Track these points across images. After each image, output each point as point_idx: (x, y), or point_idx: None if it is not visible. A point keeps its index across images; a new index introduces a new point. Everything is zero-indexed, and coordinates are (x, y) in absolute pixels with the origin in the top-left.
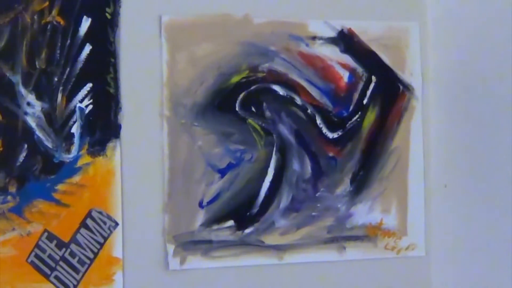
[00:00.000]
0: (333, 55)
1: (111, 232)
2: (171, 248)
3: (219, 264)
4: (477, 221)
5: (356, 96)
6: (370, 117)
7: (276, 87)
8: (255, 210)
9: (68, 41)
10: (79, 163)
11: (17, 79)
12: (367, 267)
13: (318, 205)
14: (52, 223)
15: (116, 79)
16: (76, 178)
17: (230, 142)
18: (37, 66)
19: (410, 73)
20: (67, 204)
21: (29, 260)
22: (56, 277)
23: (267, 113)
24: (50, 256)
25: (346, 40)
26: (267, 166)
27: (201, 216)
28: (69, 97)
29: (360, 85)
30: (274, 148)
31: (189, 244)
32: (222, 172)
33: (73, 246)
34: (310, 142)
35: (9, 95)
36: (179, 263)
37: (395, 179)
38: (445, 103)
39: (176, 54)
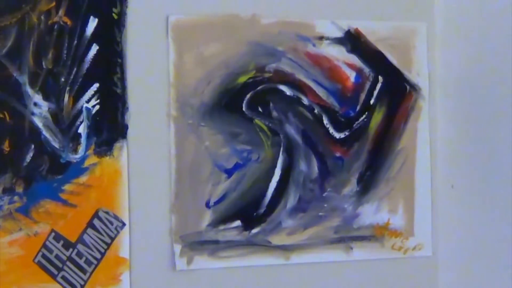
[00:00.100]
0: (340, 55)
1: (118, 232)
2: (178, 248)
3: (226, 264)
4: (484, 221)
5: (363, 96)
6: (377, 117)
7: (283, 87)
8: (262, 210)
9: (75, 41)
10: (86, 163)
11: (24, 79)
12: (374, 267)
13: (325, 205)
14: (59, 223)
15: (123, 79)
16: (83, 178)
17: (237, 142)
18: (44, 66)
19: (417, 73)
20: (74, 204)
21: (36, 260)
22: (63, 277)
23: (274, 113)
24: (57, 256)
25: (353, 40)
26: (274, 166)
27: (208, 216)
28: (76, 97)
29: (367, 85)
30: (281, 148)
31: (196, 244)
32: (229, 172)
33: (80, 246)
34: (317, 142)
35: (16, 95)
36: (186, 263)
37: (402, 179)
38: (452, 103)
39: (183, 54)
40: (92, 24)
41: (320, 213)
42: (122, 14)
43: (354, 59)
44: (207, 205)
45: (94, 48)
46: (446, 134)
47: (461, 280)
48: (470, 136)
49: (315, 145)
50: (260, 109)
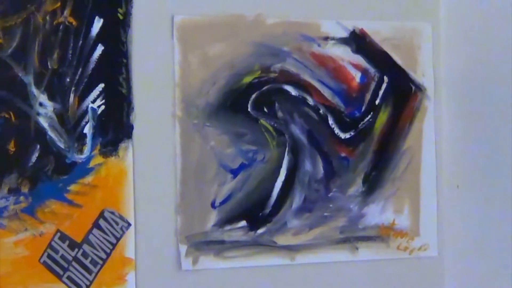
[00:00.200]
0: (345, 56)
1: (123, 232)
2: (183, 248)
3: (231, 265)
4: (490, 222)
5: (368, 96)
6: (382, 118)
7: (288, 88)
8: (267, 210)
9: (80, 41)
10: (92, 163)
11: (29, 79)
12: (379, 268)
13: (331, 205)
14: (65, 223)
15: (128, 80)
16: (89, 179)
17: (243, 143)
18: (49, 67)
19: (422, 73)
20: (80, 205)
21: (42, 260)
22: (69, 278)
23: (279, 114)
24: (62, 257)
25: (358, 41)
26: (280, 166)
27: (213, 217)
28: (81, 98)
29: (372, 86)
30: (287, 149)
31: (202, 244)
32: (235, 173)
33: (86, 247)
34: (322, 143)
35: (21, 96)
36: (191, 263)
37: (408, 179)
38: (458, 103)
39: (188, 54)
40: (98, 24)
41: (326, 213)
42: (127, 14)
43: (359, 59)
44: (213, 205)
45: (100, 48)
46: (452, 134)
47: (467, 280)
48: (475, 136)
49: (320, 145)
50: (265, 110)
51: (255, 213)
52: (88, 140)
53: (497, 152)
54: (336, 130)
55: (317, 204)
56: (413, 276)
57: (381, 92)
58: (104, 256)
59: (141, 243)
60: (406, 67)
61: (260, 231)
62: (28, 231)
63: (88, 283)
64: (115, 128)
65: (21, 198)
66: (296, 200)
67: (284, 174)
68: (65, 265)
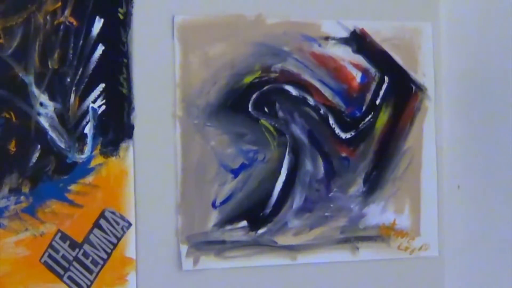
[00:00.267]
0: (345, 56)
1: (124, 232)
2: (184, 248)
3: (232, 265)
4: (490, 222)
5: (368, 96)
6: (383, 118)
7: (289, 88)
8: (268, 210)
9: (81, 41)
10: (92, 163)
11: (30, 79)
12: (380, 268)
13: (331, 205)
14: (65, 223)
15: (128, 80)
16: (89, 179)
17: (243, 143)
18: (50, 67)
19: (422, 73)
20: (80, 205)
21: (43, 260)
22: (70, 278)
23: (280, 114)
24: (63, 257)
25: (359, 41)
26: (280, 166)
27: (214, 217)
28: (82, 98)
29: (373, 86)
30: (287, 149)
31: (202, 244)
32: (235, 173)
33: (86, 247)
34: (323, 143)
35: (22, 96)
36: (192, 263)
37: (408, 179)
38: (458, 103)
39: (189, 54)
40: (98, 24)
41: (326, 213)
42: (128, 14)
43: (359, 59)
44: (213, 205)
45: (100, 48)
46: (452, 134)
47: (467, 280)
48: (476, 136)
49: (321, 145)
50: (266, 109)
51: (255, 213)
52: (89, 140)
53: (497, 152)
54: (337, 130)
55: (317, 204)
56: (414, 276)
57: (381, 92)
58: (105, 256)
59: (142, 243)
60: (406, 67)
61: (260, 231)
62: (29, 231)
63: (89, 283)
64: (116, 128)
65: (22, 198)
66: (297, 200)
67: (285, 174)
68: (66, 265)
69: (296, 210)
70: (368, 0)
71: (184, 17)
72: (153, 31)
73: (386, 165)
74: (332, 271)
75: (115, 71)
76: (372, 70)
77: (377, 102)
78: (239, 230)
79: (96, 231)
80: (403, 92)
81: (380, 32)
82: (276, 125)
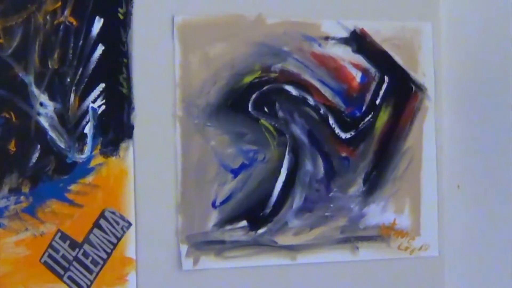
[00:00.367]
0: (345, 55)
1: (124, 232)
2: (184, 248)
3: (232, 265)
4: (490, 222)
5: (368, 96)
6: (383, 118)
7: (289, 87)
8: (268, 210)
9: (81, 41)
10: (92, 163)
11: (30, 79)
12: (380, 268)
13: (331, 205)
14: (65, 223)
15: (128, 80)
16: (89, 178)
17: (243, 143)
18: (50, 67)
19: (422, 73)
20: (80, 204)
21: (43, 260)
22: (70, 278)
23: (280, 114)
24: (63, 257)
25: (359, 41)
26: (280, 166)
27: (214, 216)
28: (82, 98)
29: (373, 85)
30: (287, 148)
31: (202, 244)
32: (235, 172)
33: (86, 247)
34: (323, 142)
35: (22, 96)
36: (192, 263)
37: (408, 179)
38: (458, 103)
39: (189, 54)
40: (98, 24)
41: (326, 213)
42: (127, 14)
43: (359, 59)
44: (213, 205)
45: (100, 48)
46: (452, 134)
47: (468, 280)
48: (476, 136)
49: (321, 145)
50: (266, 109)
51: (255, 213)
52: (89, 140)
53: (497, 152)
54: (337, 130)
55: (317, 204)
56: (414, 276)
57: (381, 92)
58: (105, 256)
59: (142, 243)
60: (406, 67)
61: (260, 231)
62: (29, 231)
63: (89, 283)
64: (116, 128)
65: (22, 198)
66: (297, 200)
67: (285, 174)
68: (66, 265)
69: (296, 210)
70: (368, 0)
71: (184, 17)
72: (153, 31)
73: (386, 165)
74: (332, 271)
75: (115, 71)
76: (372, 70)
77: (377, 102)
78: (239, 230)
79: (96, 231)
80: (403, 92)
81: (380, 32)
82: (276, 125)
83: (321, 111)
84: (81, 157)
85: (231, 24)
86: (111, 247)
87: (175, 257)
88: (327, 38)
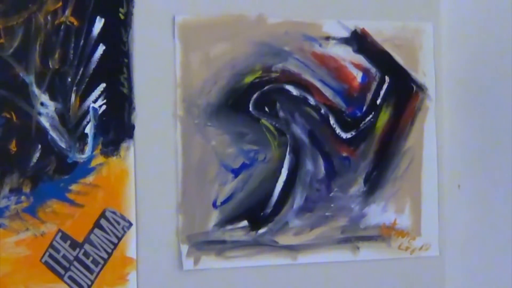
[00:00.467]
0: (346, 55)
1: (125, 232)
2: (185, 248)
3: (233, 264)
4: (491, 221)
5: (369, 96)
6: (384, 118)
7: (290, 87)
8: (268, 210)
9: (82, 41)
10: (93, 163)
11: (30, 79)
12: (381, 267)
13: (332, 205)
14: (66, 223)
15: (129, 79)
16: (90, 178)
17: (244, 142)
18: (51, 66)
19: (423, 73)
20: (81, 204)
21: (43, 260)
22: (70, 277)
23: (281, 113)
24: (64, 256)
25: (360, 40)
26: (281, 166)
27: (214, 216)
28: (83, 97)
29: (374, 85)
30: (288, 148)
31: (203, 244)
32: (236, 172)
33: (87, 246)
34: (323, 142)
35: (22, 95)
36: (193, 263)
37: (409, 179)
38: (459, 103)
39: (190, 54)
40: (99, 24)
41: (327, 213)
42: (128, 14)
43: (360, 59)
44: (214, 205)
45: (101, 48)
46: (453, 134)
47: (468, 280)
48: (476, 136)
49: (321, 145)
50: (266, 109)
51: (256, 213)
52: (89, 140)
53: (498, 152)
54: (337, 130)
55: (318, 204)
56: (415, 276)
57: (382, 92)
58: (105, 256)
59: (143, 243)
60: (407, 67)
61: (261, 231)
62: (30, 230)
63: (89, 283)
64: (117, 127)
65: (23, 198)
66: (298, 200)
67: (285, 174)
68: (67, 265)
69: (297, 210)
70: (369, 0)
71: (185, 17)
72: (154, 31)
73: (386, 165)
74: (333, 271)
75: (116, 71)
76: (373, 70)
77: (378, 102)
78: (239, 230)
79: (96, 231)
80: (403, 92)
81: (381, 32)
82: (276, 125)
83: (322, 111)
84: (81, 157)
85: (232, 24)
86: (112, 247)
87: (175, 257)
88: (327, 38)
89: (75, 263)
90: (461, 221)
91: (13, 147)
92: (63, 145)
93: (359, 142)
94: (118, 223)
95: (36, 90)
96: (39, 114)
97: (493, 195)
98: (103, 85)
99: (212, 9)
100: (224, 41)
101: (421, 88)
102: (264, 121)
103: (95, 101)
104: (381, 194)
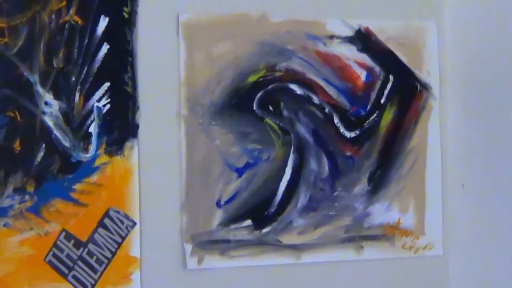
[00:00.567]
0: (350, 54)
1: (128, 231)
2: (188, 247)
3: (236, 264)
4: (495, 221)
5: (373, 95)
6: (388, 117)
7: (294, 86)
8: (272, 209)
9: (86, 40)
10: (97, 162)
11: (35, 78)
12: (384, 267)
13: (336, 204)
14: (70, 222)
15: (133, 78)
16: (94, 178)
17: (248, 142)
18: (55, 66)
19: (427, 72)
20: (85, 204)
21: (47, 259)
22: (74, 277)
23: (285, 113)
24: (68, 256)
25: (364, 39)
26: (285, 165)
27: (218, 216)
28: (87, 97)
29: (378, 84)
30: (292, 148)
31: (207, 243)
32: (240, 172)
33: (91, 246)
34: (327, 142)
35: (27, 95)
36: (196, 262)
37: (413, 178)
38: (463, 102)
39: (194, 53)
40: (103, 23)
41: (331, 213)
42: (132, 13)
43: (364, 58)
44: (218, 204)
45: (105, 47)
46: (457, 133)
47: (472, 279)
48: (480, 135)
49: (325, 144)
50: (270, 108)
51: (260, 212)
52: (94, 139)
53: (502, 151)
54: (341, 129)
55: (322, 203)
56: (418, 275)
57: (386, 91)
58: (109, 255)
59: (147, 242)
60: (411, 65)
61: (265, 230)
62: (33, 230)
63: (93, 282)
64: (121, 127)
65: (26, 197)
66: (301, 199)
67: (289, 173)
68: (71, 264)
69: (301, 209)
70: None
71: (189, 16)
72: (158, 30)
73: (390, 164)
74: (337, 270)
75: (120, 70)
76: (377, 69)
77: (382, 101)
78: (243, 229)
79: (100, 230)
80: (408, 91)
81: (385, 30)
82: (280, 124)
83: (326, 110)
84: (85, 156)
85: (236, 23)
86: (116, 246)
87: (179, 256)
88: (331, 37)
89: (79, 262)
90: (465, 220)
91: (17, 146)
92: (67, 144)
93: (363, 141)
94: (122, 222)
95: (40, 89)
96: (43, 113)
97: (497, 194)
98: (107, 84)
99: (215, 8)
100: (228, 40)
101: (425, 87)
102: (268, 120)
103: (99, 100)
104: (385, 193)
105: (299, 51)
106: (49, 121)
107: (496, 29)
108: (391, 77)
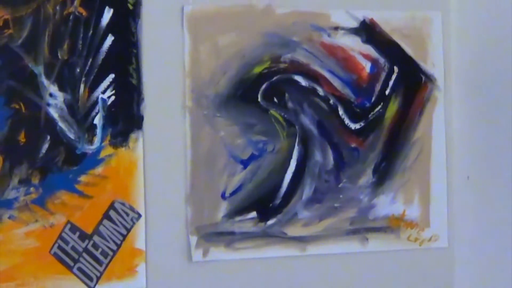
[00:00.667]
0: (355, 46)
1: (134, 223)
2: (194, 239)
3: (241, 256)
4: (500, 212)
5: (378, 86)
6: (393, 108)
7: (298, 78)
8: (277, 201)
9: (90, 32)
10: (102, 154)
11: (39, 70)
12: (389, 259)
13: (341, 196)
14: (75, 214)
15: (138, 70)
16: (99, 169)
17: (253, 133)
18: (60, 57)
19: (432, 63)
20: (90, 196)
21: (52, 251)
22: (79, 269)
23: (290, 104)
24: (73, 248)
25: (368, 31)
26: (290, 157)
27: (223, 208)
28: (92, 88)
29: (383, 76)
30: (297, 139)
31: (212, 235)
32: (245, 163)
33: (96, 238)
34: (332, 133)
35: (31, 86)
36: (202, 254)
37: (418, 170)
38: (468, 94)
39: (198, 44)
40: (108, 14)
41: (336, 204)
42: (137, 4)
43: (369, 50)
44: (223, 196)
45: (110, 39)
46: (462, 124)
47: (477, 271)
48: (485, 127)
49: (330, 136)
50: (275, 100)
51: (265, 204)
52: (98, 130)
53: (507, 143)
54: (346, 121)
55: (327, 195)
56: (423, 267)
57: (391, 83)
58: (114, 247)
59: (152, 234)
60: (416, 57)
61: (270, 222)
62: (39, 222)
63: (98, 274)
64: (125, 118)
65: (32, 189)
66: (306, 191)
67: (294, 165)
68: (76, 256)
69: (306, 201)
70: None
71: (194, 7)
72: (163, 21)
73: (395, 155)
74: (342, 262)
75: (125, 61)
76: (382, 60)
77: (387, 92)
78: (248, 221)
79: (105, 222)
80: (412, 82)
81: (389, 22)
82: (285, 115)
83: (331, 102)
84: (90, 148)
85: (240, 14)
86: (121, 238)
87: (184, 248)
88: (336, 28)
89: (84, 254)
90: (470, 212)
91: (22, 138)
92: (72, 136)
93: (368, 133)
94: (127, 214)
95: (45, 81)
96: (48, 105)
97: (502, 186)
98: (112, 75)
99: None
100: (233, 32)
101: (430, 78)
102: (273, 111)
103: (104, 92)
104: (390, 185)
105: (303, 42)
106: (54, 113)
107: (501, 20)
108: (395, 69)
